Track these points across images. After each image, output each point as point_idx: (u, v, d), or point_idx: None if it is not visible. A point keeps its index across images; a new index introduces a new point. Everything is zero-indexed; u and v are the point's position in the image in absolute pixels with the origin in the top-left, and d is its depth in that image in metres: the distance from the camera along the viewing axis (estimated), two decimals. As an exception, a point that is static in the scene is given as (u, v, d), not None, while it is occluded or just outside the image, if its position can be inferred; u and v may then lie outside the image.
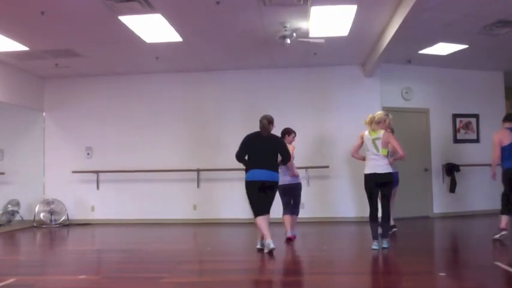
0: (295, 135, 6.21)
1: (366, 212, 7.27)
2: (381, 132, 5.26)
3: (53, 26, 6.10)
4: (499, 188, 9.10)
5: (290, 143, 6.06)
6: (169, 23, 6.00)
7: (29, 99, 8.69)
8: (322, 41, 6.56)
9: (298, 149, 6.35)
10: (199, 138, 8.66)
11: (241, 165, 8.41)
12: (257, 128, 8.53)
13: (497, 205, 9.20)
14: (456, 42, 7.26)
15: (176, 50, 7.34)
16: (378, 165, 5.20)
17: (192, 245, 6.64)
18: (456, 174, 8.64)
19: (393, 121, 8.60)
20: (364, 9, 5.64)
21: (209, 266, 5.02)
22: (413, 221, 8.21)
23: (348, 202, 8.22)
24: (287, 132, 6.12)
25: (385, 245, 5.27)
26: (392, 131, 5.74)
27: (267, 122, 5.48)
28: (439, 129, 8.77)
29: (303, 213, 7.11)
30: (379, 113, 5.52)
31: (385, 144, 5.24)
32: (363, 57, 8.07)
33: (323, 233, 7.16)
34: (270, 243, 5.11)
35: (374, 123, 5.29)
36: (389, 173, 5.22)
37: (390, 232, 5.72)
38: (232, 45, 7.19)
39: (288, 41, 6.37)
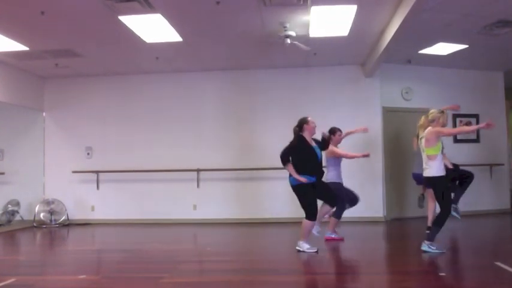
0: (341, 133, 6.25)
1: (365, 212, 7.33)
2: (427, 131, 5.10)
3: (53, 26, 6.10)
4: (498, 188, 9.14)
5: (337, 143, 6.11)
6: (169, 23, 6.00)
7: (29, 99, 8.69)
8: (308, 48, 6.65)
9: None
10: (199, 138, 8.66)
11: (240, 166, 8.49)
12: (256, 128, 8.63)
13: (497, 205, 9.25)
14: (456, 42, 7.26)
15: (176, 50, 7.35)
16: (424, 168, 5.12)
17: (192, 245, 6.64)
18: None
19: (393, 121, 8.67)
20: (364, 9, 5.64)
21: (209, 266, 5.02)
22: (413, 221, 8.21)
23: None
24: (332, 132, 6.14)
25: (423, 247, 5.00)
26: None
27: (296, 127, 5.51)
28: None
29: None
30: (432, 111, 5.21)
31: (429, 142, 4.93)
32: (363, 57, 8.07)
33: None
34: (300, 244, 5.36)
35: (428, 123, 5.18)
36: (430, 177, 5.03)
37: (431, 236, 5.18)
38: (232, 45, 7.19)
39: (288, 41, 6.38)
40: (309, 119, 5.44)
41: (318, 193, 5.39)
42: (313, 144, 5.42)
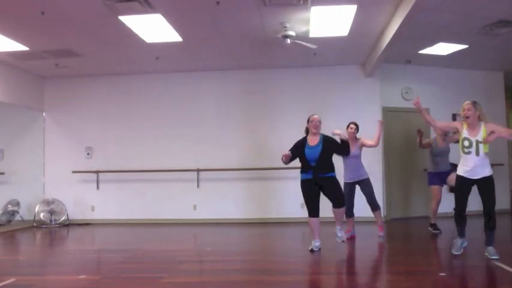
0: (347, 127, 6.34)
1: (365, 212, 7.34)
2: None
3: (53, 26, 6.10)
4: (498, 188, 9.12)
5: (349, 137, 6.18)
6: (169, 23, 6.01)
7: (29, 99, 8.69)
8: (315, 46, 6.62)
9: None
10: (199, 138, 8.66)
11: (239, 166, 8.49)
12: (256, 128, 8.62)
13: (496, 205, 9.22)
14: (456, 42, 7.26)
15: (176, 50, 7.35)
16: (476, 167, 4.87)
17: (192, 245, 6.64)
18: (456, 174, 8.63)
19: (393, 121, 8.66)
20: (364, 9, 5.64)
21: (209, 266, 5.02)
22: (413, 221, 8.22)
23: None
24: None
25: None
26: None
27: None
28: (439, 129, 8.77)
29: (305, 213, 7.12)
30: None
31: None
32: (363, 57, 8.07)
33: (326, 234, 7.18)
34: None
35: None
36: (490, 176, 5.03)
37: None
38: (232, 45, 7.19)
39: (288, 41, 6.38)
40: (310, 117, 5.47)
41: (326, 192, 5.40)
42: (314, 143, 5.35)
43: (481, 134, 4.70)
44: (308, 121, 5.46)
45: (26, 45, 6.83)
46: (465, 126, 4.80)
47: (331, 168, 5.36)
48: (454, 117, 8.92)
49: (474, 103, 4.75)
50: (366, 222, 7.90)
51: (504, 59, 8.28)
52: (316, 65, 8.47)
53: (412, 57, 8.17)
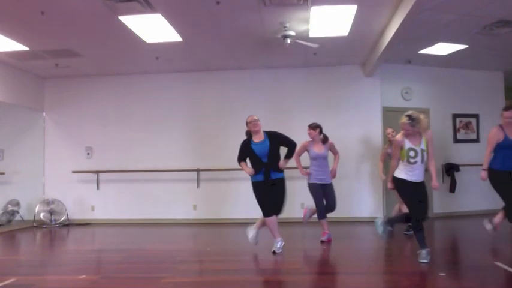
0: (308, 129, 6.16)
1: (365, 212, 7.31)
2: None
3: (53, 26, 6.10)
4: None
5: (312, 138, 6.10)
6: (169, 23, 6.01)
7: (29, 99, 8.69)
8: (316, 45, 6.61)
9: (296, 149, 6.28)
10: (199, 138, 8.66)
11: (239, 166, 8.47)
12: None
13: (496, 205, 9.23)
14: (456, 42, 7.26)
15: (176, 50, 7.35)
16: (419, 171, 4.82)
17: (192, 245, 6.64)
18: (456, 174, 8.64)
19: (393, 121, 8.65)
20: (364, 9, 5.64)
21: (209, 266, 5.02)
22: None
23: (345, 202, 8.22)
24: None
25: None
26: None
27: None
28: (439, 129, 8.76)
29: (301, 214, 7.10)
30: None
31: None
32: (363, 57, 8.07)
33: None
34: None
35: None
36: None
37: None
38: (232, 45, 7.19)
39: (288, 41, 6.38)
40: (248, 118, 5.46)
41: (272, 194, 5.35)
42: (259, 140, 5.35)
43: (423, 142, 4.75)
44: (247, 123, 5.43)
45: (26, 45, 6.83)
46: (405, 137, 4.80)
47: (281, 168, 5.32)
48: (455, 117, 8.94)
49: (411, 120, 4.65)
50: (362, 222, 7.90)
51: (504, 59, 8.28)
52: (316, 65, 8.47)
53: (412, 57, 8.16)
